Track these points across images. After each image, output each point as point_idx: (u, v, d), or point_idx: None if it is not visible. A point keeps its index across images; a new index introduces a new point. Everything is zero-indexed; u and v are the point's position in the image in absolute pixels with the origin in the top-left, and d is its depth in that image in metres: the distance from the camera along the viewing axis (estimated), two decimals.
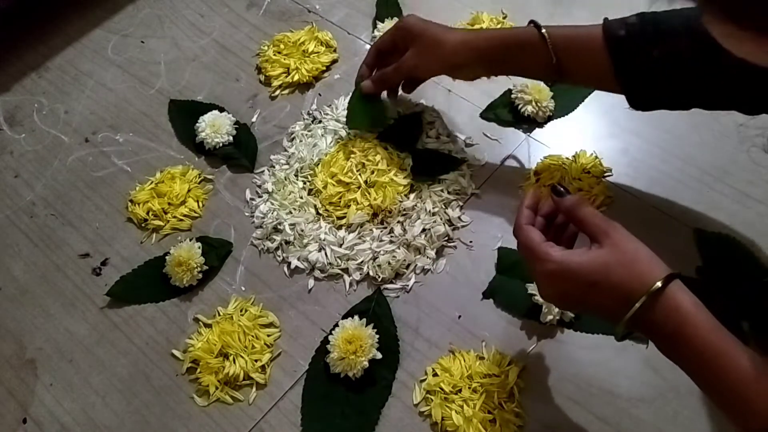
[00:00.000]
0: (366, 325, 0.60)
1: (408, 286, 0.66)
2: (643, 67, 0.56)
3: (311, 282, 0.67)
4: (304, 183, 0.73)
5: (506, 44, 0.63)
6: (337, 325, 0.61)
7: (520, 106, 0.76)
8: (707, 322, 0.43)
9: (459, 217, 0.69)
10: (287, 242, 0.69)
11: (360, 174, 0.71)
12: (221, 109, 0.79)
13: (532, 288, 0.61)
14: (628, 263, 0.45)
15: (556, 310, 0.60)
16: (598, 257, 0.46)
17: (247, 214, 0.72)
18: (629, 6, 0.89)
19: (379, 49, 0.72)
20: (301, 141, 0.77)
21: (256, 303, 0.66)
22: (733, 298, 0.59)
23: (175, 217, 0.72)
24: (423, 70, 0.70)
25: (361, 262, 0.66)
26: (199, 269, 0.66)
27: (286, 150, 0.77)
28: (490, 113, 0.78)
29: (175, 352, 0.63)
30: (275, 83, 0.83)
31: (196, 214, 0.73)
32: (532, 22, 0.62)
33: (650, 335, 0.46)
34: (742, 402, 0.41)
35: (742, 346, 0.43)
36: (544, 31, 0.60)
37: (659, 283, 0.44)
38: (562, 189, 0.51)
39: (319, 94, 0.82)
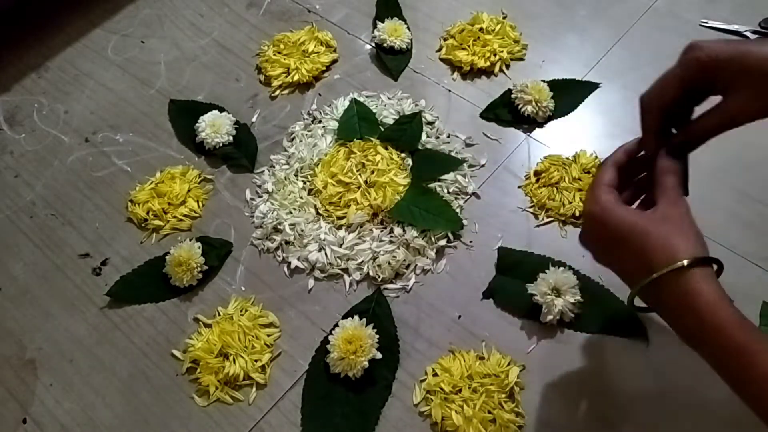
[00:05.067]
0: (366, 325, 0.60)
1: (408, 286, 0.66)
2: None
3: (311, 282, 0.67)
4: (304, 183, 0.73)
5: None
6: (337, 325, 0.61)
7: (520, 106, 0.76)
8: (731, 315, 0.40)
9: None
10: (287, 242, 0.69)
11: (360, 174, 0.71)
12: (221, 109, 0.79)
13: (532, 288, 0.61)
14: (666, 235, 0.43)
15: (557, 309, 0.60)
16: (641, 222, 0.44)
17: (247, 214, 0.73)
18: (629, 5, 0.89)
19: (663, 108, 0.51)
20: (301, 141, 0.77)
21: (256, 303, 0.66)
22: None
23: (175, 217, 0.72)
24: (756, 115, 0.48)
25: (361, 262, 0.66)
26: (199, 269, 0.66)
27: (286, 150, 0.77)
28: (490, 113, 0.78)
29: (175, 352, 0.63)
30: (275, 83, 0.83)
31: (196, 214, 0.73)
32: None
33: (664, 315, 0.44)
34: None
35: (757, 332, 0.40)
36: None
37: (685, 262, 0.41)
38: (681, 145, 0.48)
39: (319, 94, 0.82)
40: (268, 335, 0.63)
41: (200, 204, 0.73)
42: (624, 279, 0.47)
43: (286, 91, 0.83)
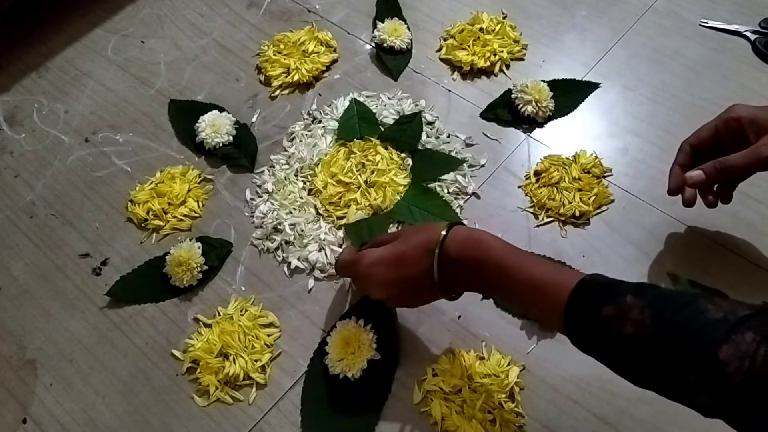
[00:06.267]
0: (364, 326, 0.60)
1: None
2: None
3: (311, 282, 0.67)
4: (304, 183, 0.73)
5: None
6: (335, 325, 0.61)
7: (520, 106, 0.76)
8: (505, 245, 0.48)
9: None
10: (287, 242, 0.69)
11: (360, 174, 0.71)
12: (221, 109, 0.79)
13: None
14: (417, 230, 0.52)
15: None
16: (394, 241, 0.53)
17: (247, 214, 0.72)
18: (629, 5, 0.89)
19: (693, 145, 0.61)
20: (301, 141, 0.77)
21: (256, 303, 0.66)
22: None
23: (175, 217, 0.72)
24: None
25: None
26: (199, 269, 0.66)
27: (286, 150, 0.77)
28: (490, 113, 0.78)
29: (175, 352, 0.63)
30: (275, 83, 0.83)
31: (196, 214, 0.73)
32: None
33: (465, 276, 0.49)
34: (548, 302, 0.44)
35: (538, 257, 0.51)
36: None
37: (446, 225, 0.50)
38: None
39: (319, 94, 0.82)
40: (268, 335, 0.63)
41: (200, 204, 0.73)
42: (422, 285, 0.51)
43: (286, 91, 0.83)
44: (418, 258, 0.50)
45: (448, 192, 0.71)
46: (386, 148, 0.74)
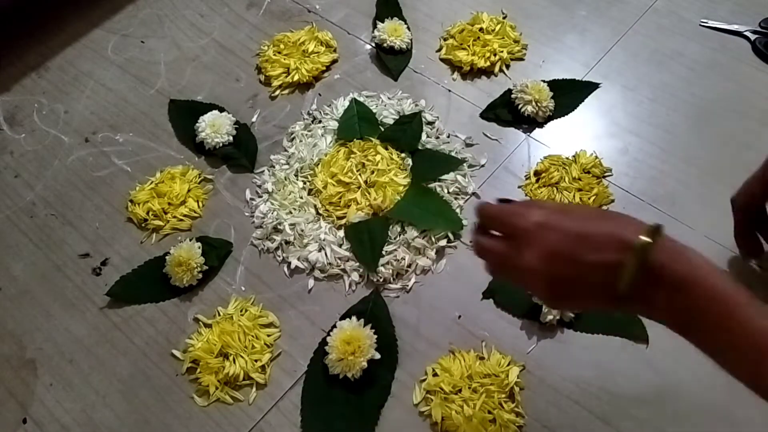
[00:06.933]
0: (364, 326, 0.60)
1: (408, 286, 0.66)
2: None
3: (311, 282, 0.67)
4: (304, 183, 0.73)
5: None
6: (335, 326, 0.61)
7: (520, 106, 0.76)
8: (715, 270, 0.39)
9: None
10: (287, 242, 0.69)
11: (360, 174, 0.71)
12: (221, 109, 0.79)
13: None
14: (602, 214, 0.42)
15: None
16: (567, 213, 0.42)
17: (247, 214, 0.72)
18: (629, 5, 0.90)
19: (749, 204, 0.57)
20: (301, 141, 0.77)
21: (256, 303, 0.66)
22: None
23: (175, 217, 0.72)
24: None
25: None
26: (199, 269, 0.66)
27: (286, 150, 0.77)
28: (490, 113, 0.78)
29: (175, 352, 0.63)
30: (275, 83, 0.83)
31: (196, 214, 0.73)
32: None
33: (654, 291, 0.39)
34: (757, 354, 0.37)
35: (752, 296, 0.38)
36: None
37: (645, 225, 0.39)
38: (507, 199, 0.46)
39: (319, 94, 0.82)
40: (268, 335, 0.63)
41: (200, 204, 0.73)
42: (593, 294, 0.41)
43: (286, 91, 0.83)
44: (604, 246, 0.40)
45: (448, 192, 0.71)
46: (386, 148, 0.74)
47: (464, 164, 0.73)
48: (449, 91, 0.81)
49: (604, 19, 0.87)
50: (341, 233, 0.68)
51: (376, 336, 0.60)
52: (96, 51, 0.90)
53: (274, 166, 0.75)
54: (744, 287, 0.38)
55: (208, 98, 0.83)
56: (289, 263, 0.68)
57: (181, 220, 0.72)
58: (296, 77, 0.82)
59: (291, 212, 0.71)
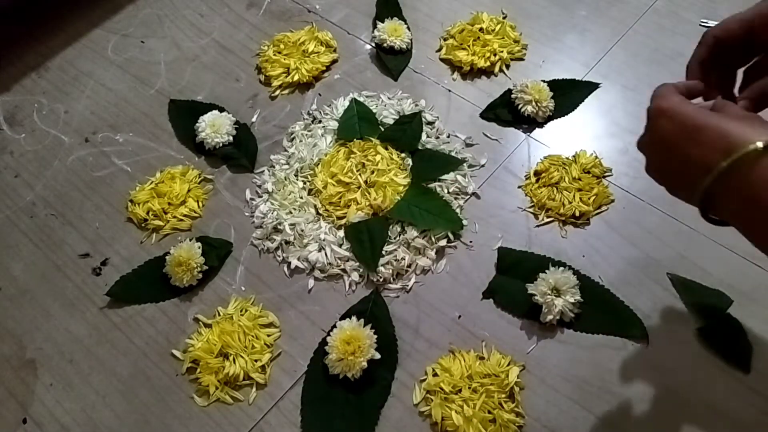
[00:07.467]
0: (364, 326, 0.60)
1: (408, 286, 0.66)
2: None
3: (311, 282, 0.67)
4: (304, 183, 0.73)
5: None
6: (335, 326, 0.61)
7: (520, 106, 0.76)
8: None
9: None
10: (287, 242, 0.69)
11: (360, 174, 0.71)
12: (221, 109, 0.79)
13: (532, 288, 0.61)
14: (739, 121, 0.39)
15: (557, 309, 0.60)
16: (713, 114, 0.41)
17: (247, 214, 0.73)
18: (629, 5, 0.89)
19: (718, 38, 0.47)
20: (301, 141, 0.77)
21: (256, 303, 0.66)
22: None
23: (175, 217, 0.72)
24: None
25: None
26: (199, 269, 0.66)
27: (286, 150, 0.77)
28: (490, 113, 0.78)
29: (175, 352, 0.63)
30: (275, 83, 0.83)
31: (196, 214, 0.73)
32: None
33: (737, 212, 0.39)
34: None
35: None
36: None
37: (759, 144, 0.36)
38: None
39: (319, 94, 0.82)
40: (268, 335, 0.63)
41: (200, 204, 0.73)
42: (683, 186, 0.43)
43: (286, 91, 0.83)
44: (711, 145, 0.39)
45: (448, 192, 0.71)
46: (386, 148, 0.74)
47: (464, 164, 0.73)
48: (449, 91, 0.81)
49: (604, 19, 0.87)
50: (341, 233, 0.68)
51: (376, 336, 0.60)
52: (96, 51, 0.90)
53: (274, 166, 0.75)
54: None
55: (208, 98, 0.83)
56: (289, 263, 0.68)
57: (181, 220, 0.72)
58: (296, 77, 0.82)
59: (291, 212, 0.71)
